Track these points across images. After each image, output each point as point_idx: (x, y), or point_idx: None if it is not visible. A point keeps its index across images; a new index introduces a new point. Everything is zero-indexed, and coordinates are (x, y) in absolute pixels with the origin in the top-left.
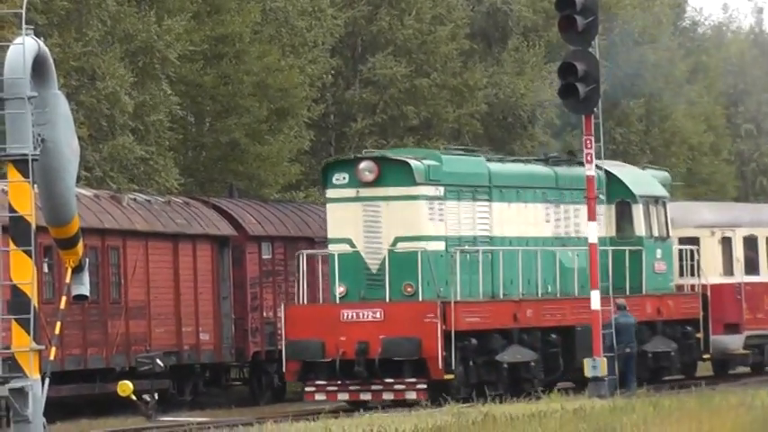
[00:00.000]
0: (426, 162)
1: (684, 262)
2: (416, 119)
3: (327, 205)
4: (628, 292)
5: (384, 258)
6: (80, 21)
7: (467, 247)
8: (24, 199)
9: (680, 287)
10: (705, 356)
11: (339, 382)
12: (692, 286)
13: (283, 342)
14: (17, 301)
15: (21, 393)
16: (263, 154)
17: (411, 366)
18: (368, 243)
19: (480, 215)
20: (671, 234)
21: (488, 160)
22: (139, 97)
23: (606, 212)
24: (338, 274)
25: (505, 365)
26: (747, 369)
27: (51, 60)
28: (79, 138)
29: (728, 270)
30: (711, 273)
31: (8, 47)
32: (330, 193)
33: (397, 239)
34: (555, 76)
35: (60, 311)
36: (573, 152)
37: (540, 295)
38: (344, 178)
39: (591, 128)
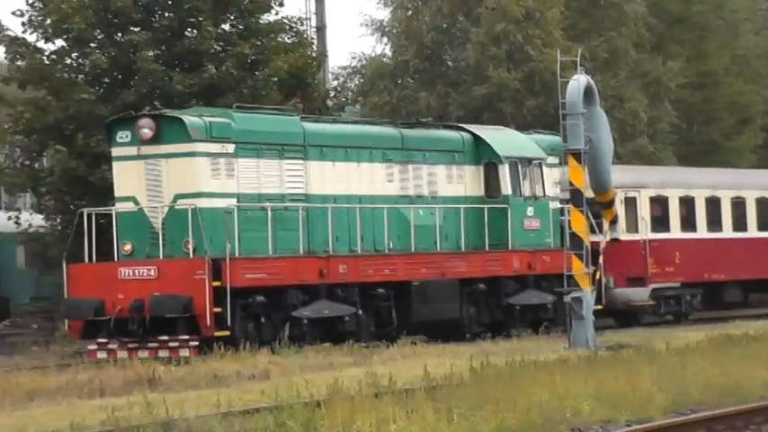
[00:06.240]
0: (208, 119)
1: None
2: None
3: (113, 164)
4: (487, 248)
5: (165, 216)
6: (614, 65)
7: (268, 204)
8: (578, 178)
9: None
10: (596, 307)
11: (120, 340)
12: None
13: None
14: (575, 242)
15: (578, 300)
16: (733, 148)
17: (186, 324)
18: (150, 201)
19: (291, 173)
20: (548, 193)
21: (304, 120)
22: (650, 113)
23: (474, 173)
24: (121, 233)
25: (305, 321)
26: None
27: (596, 89)
28: (613, 139)
29: (633, 227)
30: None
31: (568, 81)
32: (114, 151)
33: (177, 197)
34: None
35: (602, 249)
36: (441, 117)
37: (376, 251)
38: (127, 136)
39: None
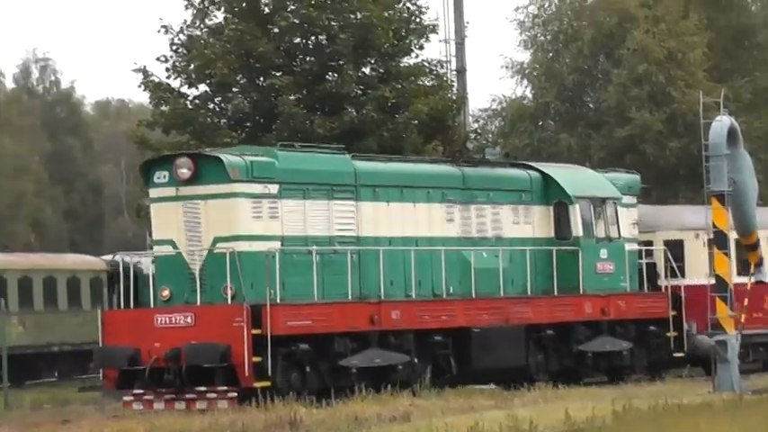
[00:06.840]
0: (250, 159)
1: (666, 264)
2: None
3: (151, 205)
4: (556, 292)
5: (204, 260)
6: (758, 106)
7: (314, 247)
8: (722, 220)
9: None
10: (677, 354)
11: (155, 391)
12: (674, 287)
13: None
14: (719, 284)
15: (723, 344)
16: None
17: (224, 373)
18: (189, 244)
19: (341, 214)
20: (624, 234)
21: (356, 158)
22: None
23: (543, 213)
24: (158, 278)
25: (354, 370)
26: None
27: (739, 130)
28: (758, 181)
29: None
30: (695, 274)
31: (711, 123)
32: (152, 192)
33: (217, 239)
34: None
35: (747, 291)
36: (508, 154)
37: (435, 295)
38: (165, 177)
39: None
